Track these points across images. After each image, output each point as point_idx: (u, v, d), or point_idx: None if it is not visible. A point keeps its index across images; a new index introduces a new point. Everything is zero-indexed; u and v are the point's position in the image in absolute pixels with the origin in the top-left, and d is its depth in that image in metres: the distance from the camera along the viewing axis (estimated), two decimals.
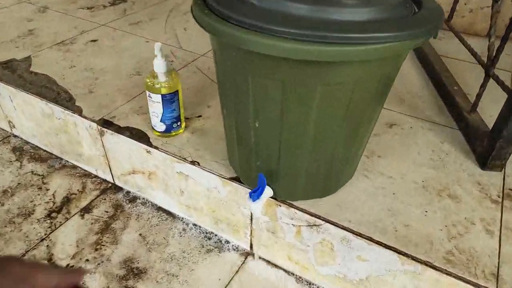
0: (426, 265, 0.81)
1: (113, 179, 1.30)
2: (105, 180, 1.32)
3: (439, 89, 1.34)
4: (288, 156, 0.81)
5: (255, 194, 0.83)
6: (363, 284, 0.95)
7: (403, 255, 0.82)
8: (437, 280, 0.81)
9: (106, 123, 1.16)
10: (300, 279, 1.05)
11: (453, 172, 1.02)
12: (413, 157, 1.07)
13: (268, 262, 1.10)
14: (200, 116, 1.20)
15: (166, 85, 1.00)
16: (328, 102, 0.70)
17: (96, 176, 1.33)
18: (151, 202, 1.25)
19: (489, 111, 1.16)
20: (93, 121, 1.17)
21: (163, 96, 1.00)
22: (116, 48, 1.56)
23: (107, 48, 1.56)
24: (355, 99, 0.71)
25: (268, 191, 0.88)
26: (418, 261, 0.81)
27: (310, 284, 1.04)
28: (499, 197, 0.96)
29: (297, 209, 0.92)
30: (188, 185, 1.10)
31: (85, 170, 1.35)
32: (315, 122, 0.73)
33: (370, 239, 0.85)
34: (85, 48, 1.55)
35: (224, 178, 1.00)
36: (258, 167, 0.87)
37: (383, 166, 1.04)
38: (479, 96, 1.12)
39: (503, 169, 1.03)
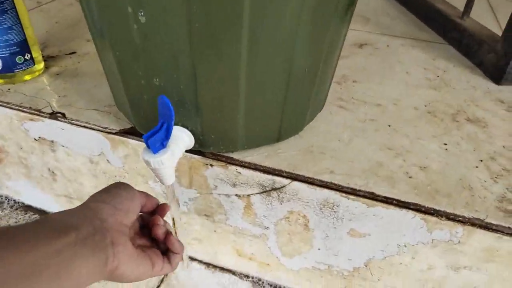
0: (473, 225, 0.46)
1: None
2: None
3: (409, 4, 1.02)
4: (208, 67, 0.42)
5: (156, 138, 0.42)
6: (360, 275, 0.58)
7: (431, 214, 0.47)
8: (491, 248, 0.47)
9: None
10: (259, 282, 0.67)
11: (462, 91, 0.70)
12: (402, 78, 0.73)
13: (207, 264, 0.70)
14: (73, 52, 0.76)
15: None
16: None
17: None
18: (14, 201, 0.79)
19: (481, 19, 0.85)
20: None
21: None
22: None
23: None
24: None
25: (182, 136, 0.48)
26: (459, 221, 0.46)
27: (275, 287, 0.66)
28: None
29: (240, 165, 0.53)
30: (59, 160, 0.66)
31: None
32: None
33: (372, 196, 0.49)
34: None
35: (111, 133, 0.58)
36: (159, 87, 0.46)
37: (364, 92, 0.68)
38: None
39: None
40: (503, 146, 0.57)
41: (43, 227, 0.31)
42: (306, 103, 0.53)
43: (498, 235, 0.45)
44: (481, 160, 0.54)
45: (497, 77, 0.72)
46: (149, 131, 0.42)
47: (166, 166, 0.44)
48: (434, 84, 0.71)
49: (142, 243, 0.40)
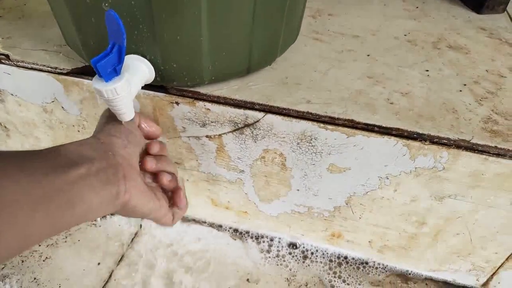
0: (459, 147, 0.43)
1: None
2: None
3: None
4: None
5: (106, 62, 0.37)
6: (340, 215, 0.56)
7: (414, 139, 0.44)
8: (477, 171, 0.44)
9: None
10: (236, 232, 0.64)
11: (442, 20, 0.66)
12: (380, 10, 0.68)
13: (182, 218, 0.66)
14: None
15: None
16: None
17: None
18: None
19: None
20: None
21: None
22: None
23: None
24: None
25: (139, 65, 0.43)
26: (444, 144, 0.43)
27: (255, 237, 0.63)
28: None
29: (209, 100, 0.48)
30: (10, 112, 0.60)
31: None
32: None
33: (352, 124, 0.45)
34: None
35: (62, 73, 0.52)
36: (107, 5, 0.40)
37: (340, 24, 0.63)
38: None
39: (505, 9, 0.69)
40: (486, 70, 0.54)
41: (58, 155, 0.31)
42: (276, 29, 0.48)
43: (484, 156, 0.43)
44: (465, 84, 0.51)
45: (477, 6, 0.69)
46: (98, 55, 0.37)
47: (121, 97, 0.39)
48: (413, 14, 0.67)
49: (147, 181, 0.41)
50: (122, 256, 0.60)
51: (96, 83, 0.38)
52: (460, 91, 0.50)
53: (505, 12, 0.69)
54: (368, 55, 0.56)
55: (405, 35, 0.61)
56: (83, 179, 0.30)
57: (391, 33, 0.62)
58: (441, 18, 0.67)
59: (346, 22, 0.64)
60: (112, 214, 0.60)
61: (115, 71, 0.38)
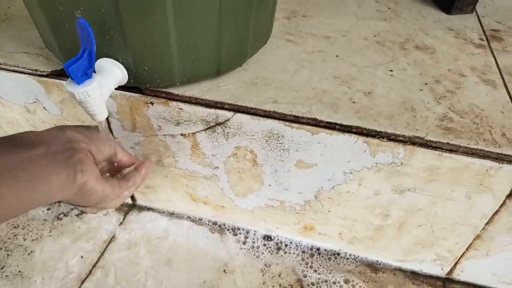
0: (414, 144, 0.46)
1: None
2: None
3: None
4: None
5: (77, 66, 0.39)
6: (311, 208, 0.59)
7: (372, 136, 0.46)
8: (432, 166, 0.47)
9: None
10: (214, 226, 0.66)
11: (412, 21, 0.68)
12: (353, 12, 0.71)
13: (161, 212, 0.69)
14: None
15: None
16: None
17: None
18: None
19: None
20: None
21: None
22: None
23: None
24: None
25: (111, 68, 0.46)
26: (400, 141, 0.46)
27: (232, 229, 0.66)
28: (482, 40, 0.64)
29: (181, 100, 0.51)
30: None
31: None
32: None
33: (315, 123, 0.48)
34: None
35: (42, 75, 0.54)
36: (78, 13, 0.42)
37: (313, 26, 0.66)
38: None
39: (474, 9, 0.72)
40: (449, 70, 0.57)
41: (15, 139, 0.33)
42: (245, 30, 0.50)
43: (438, 152, 0.46)
44: (426, 84, 0.54)
45: (447, 6, 0.71)
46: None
47: (93, 98, 0.41)
48: (385, 15, 0.70)
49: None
50: (104, 249, 0.63)
51: (68, 86, 0.41)
52: (421, 90, 0.53)
53: (474, 12, 0.72)
54: (337, 56, 0.59)
55: (374, 36, 0.64)
56: (40, 158, 0.32)
57: (361, 34, 0.64)
58: (412, 19, 0.69)
59: (319, 24, 0.66)
60: (70, 204, 0.64)
61: (86, 74, 0.41)
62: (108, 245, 0.64)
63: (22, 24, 0.64)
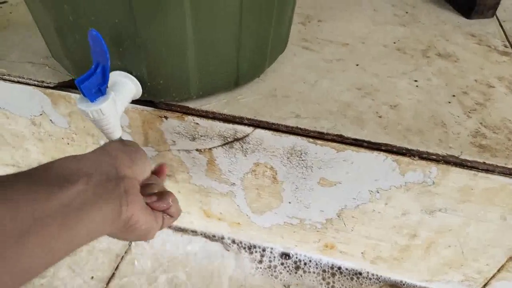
0: (448, 163, 0.43)
1: None
2: None
3: None
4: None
5: (90, 82, 0.36)
6: (333, 227, 0.56)
7: (403, 154, 0.44)
8: (466, 187, 0.44)
9: None
10: (229, 242, 0.64)
11: (431, 26, 0.66)
12: (369, 16, 0.68)
13: (175, 229, 0.66)
14: (4, 2, 0.66)
15: None
16: None
17: None
18: None
19: None
20: None
21: None
22: None
23: None
24: None
25: (125, 82, 0.42)
26: (432, 160, 0.43)
27: (248, 247, 0.63)
28: (506, 47, 0.61)
29: (198, 115, 0.48)
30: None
31: None
32: None
33: (341, 140, 0.45)
34: None
35: (49, 87, 0.51)
36: (91, 21, 0.39)
37: (330, 31, 0.63)
38: None
39: (495, 13, 0.69)
40: (475, 80, 0.54)
41: (50, 174, 0.28)
42: (265, 40, 0.47)
43: (473, 172, 0.43)
44: (454, 95, 0.51)
45: (467, 10, 0.68)
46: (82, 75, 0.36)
47: (107, 116, 0.38)
48: (403, 20, 0.67)
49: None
50: (116, 268, 0.60)
51: (81, 104, 0.37)
52: (449, 102, 0.50)
53: (495, 16, 0.69)
54: (357, 65, 0.56)
55: (394, 42, 0.61)
56: (80, 195, 0.27)
57: (380, 40, 0.61)
58: (431, 24, 0.66)
59: (335, 29, 0.63)
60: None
61: (100, 91, 0.38)
62: (120, 261, 0.61)
63: (25, 31, 0.60)
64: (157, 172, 0.43)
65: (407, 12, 0.69)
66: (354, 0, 0.72)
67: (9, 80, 0.52)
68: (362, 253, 0.58)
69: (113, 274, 0.59)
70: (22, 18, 0.63)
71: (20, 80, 0.52)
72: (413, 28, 0.65)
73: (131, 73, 0.43)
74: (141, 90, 0.44)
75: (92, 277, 0.59)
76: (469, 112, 0.49)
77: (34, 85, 0.51)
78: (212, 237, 0.64)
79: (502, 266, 0.52)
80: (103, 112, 0.38)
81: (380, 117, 0.47)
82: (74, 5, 0.37)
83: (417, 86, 0.52)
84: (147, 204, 0.36)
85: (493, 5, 0.67)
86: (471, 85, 0.53)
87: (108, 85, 0.41)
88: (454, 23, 0.67)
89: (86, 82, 0.36)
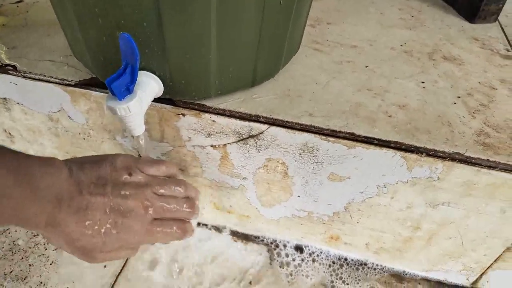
0: (453, 160, 0.46)
1: None
2: None
3: None
4: (173, 0, 0.37)
5: (120, 82, 0.38)
6: (339, 219, 0.58)
7: (411, 152, 0.46)
8: (469, 182, 0.47)
9: None
10: (237, 234, 0.66)
11: (436, 30, 0.68)
12: (376, 19, 0.70)
13: None
14: (20, 1, 0.68)
15: None
16: None
17: None
18: None
19: None
20: None
21: None
22: None
23: None
24: None
25: (149, 82, 0.45)
26: (439, 157, 0.46)
27: (255, 239, 0.65)
28: (509, 51, 0.64)
29: (215, 113, 0.50)
30: (16, 119, 0.61)
31: None
32: None
33: (352, 137, 0.47)
34: None
35: (70, 85, 0.53)
36: (119, 25, 0.41)
37: (339, 34, 0.65)
38: None
39: (497, 18, 0.72)
40: (479, 82, 0.57)
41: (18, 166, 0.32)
42: (281, 42, 0.50)
43: (476, 168, 0.46)
44: (459, 97, 0.54)
45: (471, 15, 0.71)
46: (112, 75, 0.38)
47: (133, 114, 0.41)
48: (409, 24, 0.69)
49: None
50: (127, 259, 0.62)
51: (109, 102, 0.40)
52: (454, 103, 0.52)
53: (497, 21, 0.72)
54: (366, 66, 0.58)
55: (401, 45, 0.63)
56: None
57: (387, 43, 0.64)
58: (436, 28, 0.69)
59: (344, 32, 0.66)
60: None
61: (128, 90, 0.40)
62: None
63: (43, 29, 0.62)
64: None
65: (413, 16, 0.72)
66: (361, 3, 0.75)
67: (31, 78, 0.54)
68: (366, 244, 0.60)
69: (123, 266, 0.61)
70: (38, 17, 0.65)
71: (41, 78, 0.54)
72: (419, 31, 0.67)
73: (154, 73, 0.45)
74: (163, 89, 0.46)
75: (105, 266, 0.61)
76: (474, 113, 0.51)
77: (56, 82, 0.53)
78: (221, 229, 0.66)
79: (499, 257, 0.55)
80: (130, 109, 0.40)
81: (390, 116, 0.50)
82: (104, 11, 0.39)
83: (424, 87, 0.55)
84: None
85: (495, 10, 0.69)
86: (475, 87, 0.56)
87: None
88: (458, 27, 0.70)
89: (116, 82, 0.38)
